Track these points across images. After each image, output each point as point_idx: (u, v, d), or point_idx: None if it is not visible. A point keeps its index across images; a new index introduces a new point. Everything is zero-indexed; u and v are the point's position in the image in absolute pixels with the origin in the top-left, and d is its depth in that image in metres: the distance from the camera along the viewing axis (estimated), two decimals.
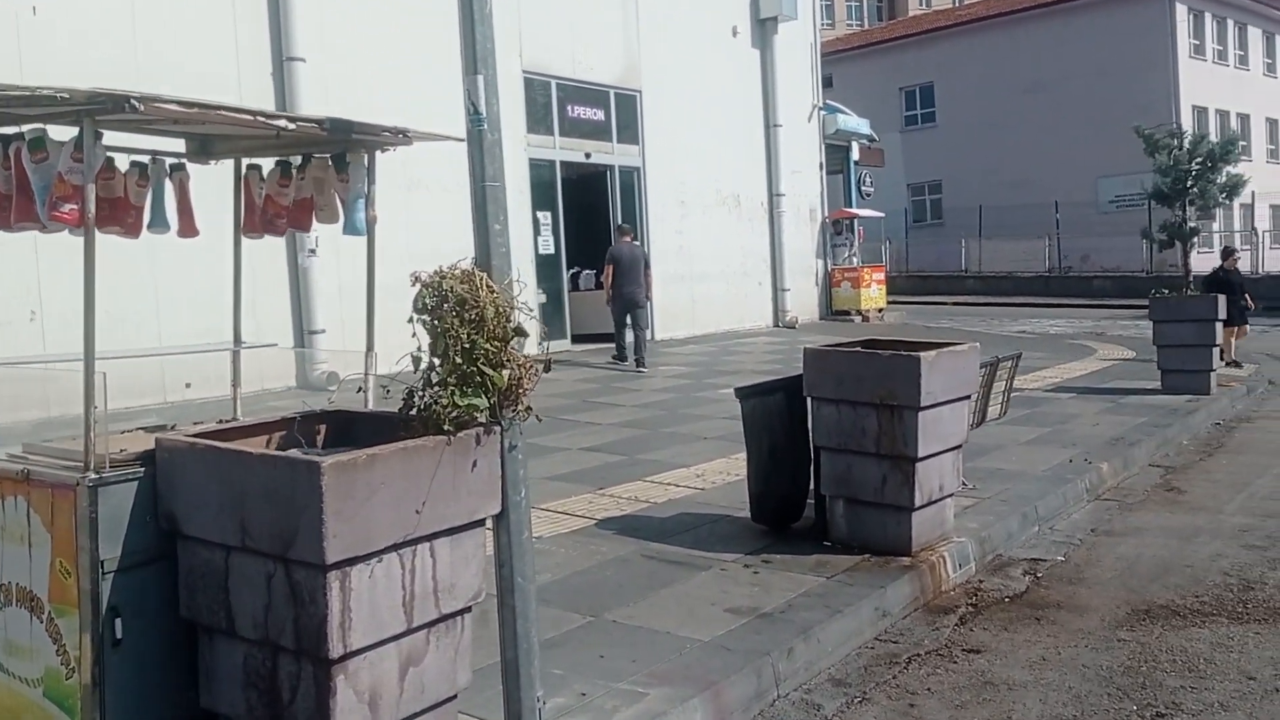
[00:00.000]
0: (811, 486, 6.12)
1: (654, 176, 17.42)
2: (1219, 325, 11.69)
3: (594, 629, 4.71)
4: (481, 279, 3.34)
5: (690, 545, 5.96)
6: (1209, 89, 36.57)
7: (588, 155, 16.40)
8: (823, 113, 21.19)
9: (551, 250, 15.54)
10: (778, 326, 20.00)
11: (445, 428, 3.21)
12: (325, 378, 11.99)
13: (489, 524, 3.46)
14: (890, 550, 5.73)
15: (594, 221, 17.23)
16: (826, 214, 21.62)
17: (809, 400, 5.98)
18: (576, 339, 16.11)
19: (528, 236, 15.12)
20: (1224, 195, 11.60)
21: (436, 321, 3.26)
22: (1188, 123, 38.36)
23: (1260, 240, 31.56)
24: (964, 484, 6.53)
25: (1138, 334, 20.93)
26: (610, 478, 7.72)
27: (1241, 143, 11.80)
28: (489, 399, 3.30)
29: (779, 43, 19.88)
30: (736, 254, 19.29)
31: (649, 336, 17.25)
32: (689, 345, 16.99)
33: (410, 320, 3.28)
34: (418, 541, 3.15)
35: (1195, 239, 12.17)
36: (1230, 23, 38.32)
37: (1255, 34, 39.72)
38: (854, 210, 22.63)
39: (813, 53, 21.33)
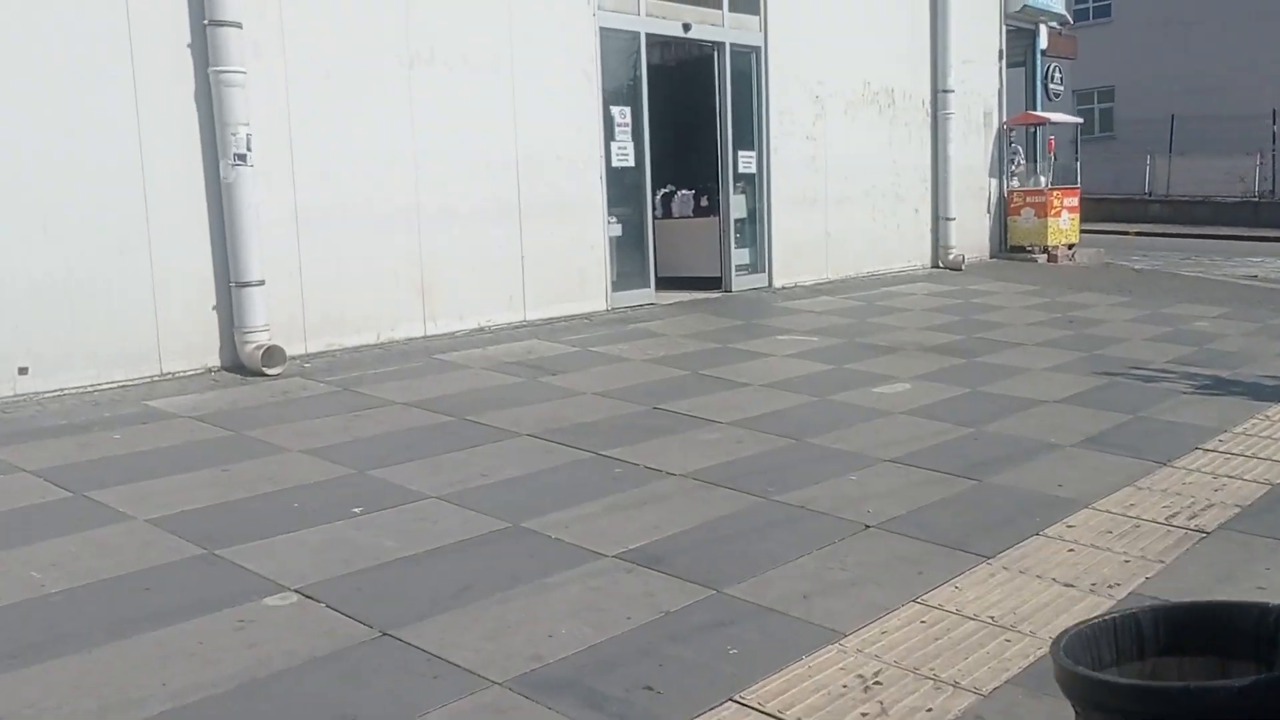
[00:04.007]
0: None
1: (779, 61, 12.58)
2: None
3: None
4: None
5: None
6: None
7: (687, 28, 11.64)
8: None
9: (630, 162, 10.93)
10: (938, 268, 15.09)
11: None
12: (263, 355, 7.83)
13: None
14: None
15: (693, 122, 12.55)
16: (1005, 119, 16.45)
17: None
18: (663, 284, 11.62)
19: (596, 141, 10.59)
20: None
21: None
22: None
23: None
24: None
25: None
26: (634, 706, 3.28)
27: None
28: None
29: None
30: (887, 170, 14.37)
31: (766, 283, 12.71)
32: (820, 296, 12.31)
33: None
34: None
35: None
36: None
37: None
38: (1041, 114, 17.30)
39: None
